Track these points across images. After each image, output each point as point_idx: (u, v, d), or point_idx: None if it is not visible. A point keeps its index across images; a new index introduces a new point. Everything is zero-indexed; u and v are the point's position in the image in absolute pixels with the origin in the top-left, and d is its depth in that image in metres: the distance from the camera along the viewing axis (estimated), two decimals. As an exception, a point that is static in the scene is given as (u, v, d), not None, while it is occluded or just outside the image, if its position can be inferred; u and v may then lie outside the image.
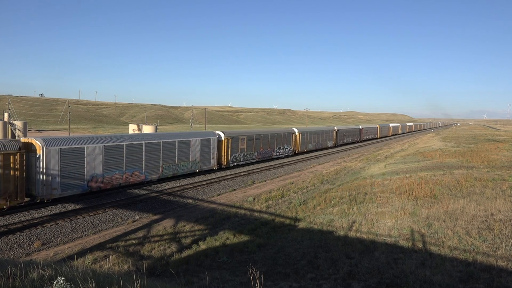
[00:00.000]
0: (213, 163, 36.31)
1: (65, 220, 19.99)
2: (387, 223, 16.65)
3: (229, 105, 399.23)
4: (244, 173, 37.02)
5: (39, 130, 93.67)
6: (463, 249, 12.61)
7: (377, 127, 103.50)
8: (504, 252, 12.00)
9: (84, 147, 24.08)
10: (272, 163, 45.27)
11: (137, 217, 21.41)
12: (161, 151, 29.89)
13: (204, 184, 30.73)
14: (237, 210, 22.93)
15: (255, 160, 43.96)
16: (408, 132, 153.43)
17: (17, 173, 20.35)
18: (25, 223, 19.04)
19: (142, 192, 27.03)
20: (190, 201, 25.73)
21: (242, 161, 41.22)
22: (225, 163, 38.17)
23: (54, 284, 5.10)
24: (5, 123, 61.43)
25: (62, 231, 18.54)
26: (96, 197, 24.70)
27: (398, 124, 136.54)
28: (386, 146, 76.90)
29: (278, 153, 48.94)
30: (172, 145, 31.10)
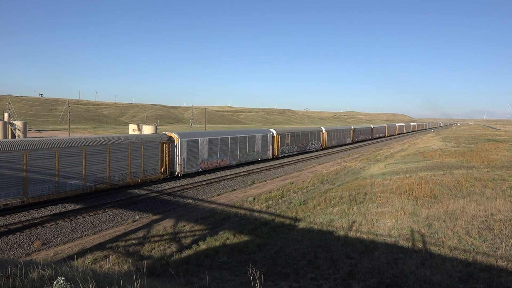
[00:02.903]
0: (269, 154, 46.01)
1: (65, 220, 19.99)
2: (387, 223, 16.64)
3: (229, 105, 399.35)
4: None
5: (39, 130, 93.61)
6: (463, 249, 12.60)
7: (386, 126, 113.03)
8: (504, 252, 11.99)
9: (198, 139, 33.77)
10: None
11: (137, 217, 21.41)
12: (238, 143, 39.58)
13: (204, 184, 30.74)
14: (237, 210, 22.93)
15: (295, 153, 53.01)
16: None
17: (166, 156, 30.28)
18: (25, 223, 19.04)
19: (142, 192, 27.03)
20: (190, 201, 25.72)
21: (287, 153, 50.64)
22: (276, 154, 47.66)
23: (54, 284, 5.09)
24: (5, 123, 61.39)
25: (62, 231, 18.53)
26: (96, 197, 24.71)
27: (403, 124, 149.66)
28: (386, 146, 76.89)
29: (310, 148, 58.01)
30: (244, 139, 40.69)
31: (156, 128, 70.85)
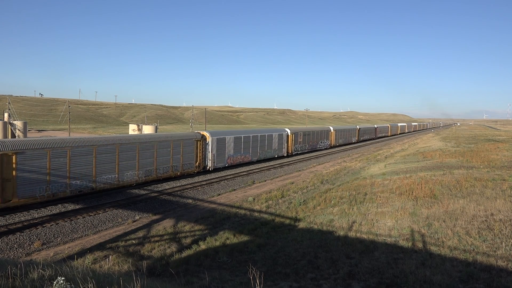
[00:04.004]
0: (284, 151, 49.85)
1: (65, 220, 19.98)
2: (387, 223, 16.64)
3: (229, 105, 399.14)
4: (218, 179, 37.62)
5: (39, 130, 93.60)
6: (463, 249, 12.60)
7: (388, 126, 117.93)
8: (504, 252, 11.99)
9: (225, 137, 37.45)
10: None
11: (137, 217, 21.41)
12: (258, 142, 43.48)
13: (204, 184, 30.74)
14: (237, 210, 22.92)
15: (307, 150, 56.74)
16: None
17: (200, 152, 33.99)
18: (25, 223, 19.03)
19: (142, 192, 27.03)
20: (190, 201, 25.72)
21: (299, 151, 54.26)
22: (290, 152, 51.38)
23: (54, 284, 5.09)
24: (5, 123, 61.36)
25: (62, 231, 18.53)
26: (96, 197, 24.70)
27: (405, 124, 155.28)
28: (386, 146, 76.89)
29: (320, 146, 61.63)
30: (264, 137, 44.67)
31: (156, 128, 70.78)
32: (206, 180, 31.98)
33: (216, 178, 33.49)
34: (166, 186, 29.32)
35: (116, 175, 25.55)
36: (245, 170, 38.59)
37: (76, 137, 25.64)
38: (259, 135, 43.63)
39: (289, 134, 50.81)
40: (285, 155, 49.91)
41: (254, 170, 38.91)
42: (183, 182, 31.20)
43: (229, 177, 34.58)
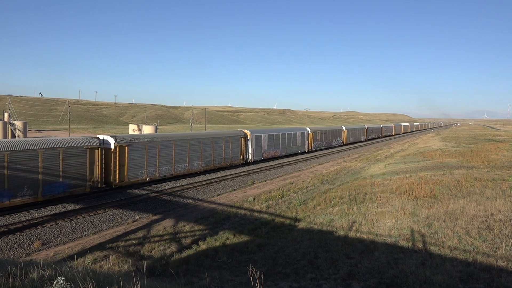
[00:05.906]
0: (306, 148, 56.54)
1: (65, 220, 19.99)
2: (387, 223, 16.64)
3: (229, 105, 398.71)
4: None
5: (39, 130, 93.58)
6: (463, 249, 12.60)
7: (393, 126, 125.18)
8: (504, 252, 11.99)
9: (261, 135, 44.14)
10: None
11: (137, 217, 21.41)
12: (286, 139, 50.11)
13: (204, 184, 30.74)
14: (237, 210, 22.92)
15: (324, 147, 62.79)
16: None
17: (243, 147, 40.46)
18: (25, 223, 19.03)
19: (142, 192, 27.03)
20: (190, 201, 25.72)
21: (318, 147, 60.47)
22: (311, 148, 57.78)
23: (54, 284, 5.09)
24: (5, 123, 61.33)
25: (62, 231, 18.53)
26: (96, 197, 24.72)
27: (407, 124, 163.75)
28: (386, 146, 76.88)
29: (334, 143, 67.60)
30: (290, 135, 51.33)
31: (156, 128, 70.73)
32: (206, 180, 31.99)
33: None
34: (166, 186, 29.32)
35: (187, 164, 32.14)
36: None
37: (162, 133, 34.69)
38: (286, 133, 50.41)
39: (310, 132, 57.15)
40: (306, 151, 56.25)
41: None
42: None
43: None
